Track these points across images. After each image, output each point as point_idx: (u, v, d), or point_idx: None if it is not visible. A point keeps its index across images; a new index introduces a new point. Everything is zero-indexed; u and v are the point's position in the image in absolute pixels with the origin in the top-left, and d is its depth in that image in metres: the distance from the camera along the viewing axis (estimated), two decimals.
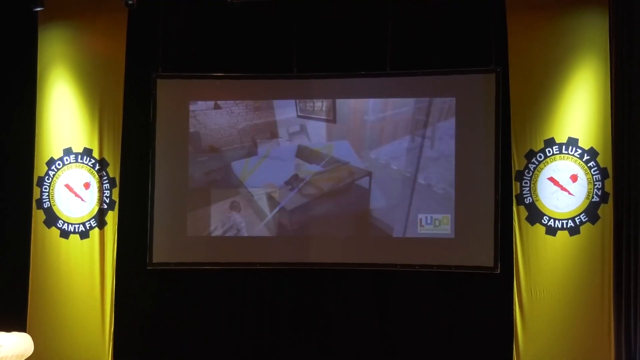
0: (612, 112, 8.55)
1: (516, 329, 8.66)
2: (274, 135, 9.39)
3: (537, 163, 8.78)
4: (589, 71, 8.69)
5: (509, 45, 8.88)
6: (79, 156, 9.37)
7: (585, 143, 8.67)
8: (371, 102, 9.30)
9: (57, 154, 9.38)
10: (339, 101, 9.32)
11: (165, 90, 9.49)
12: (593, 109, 8.65)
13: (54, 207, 9.35)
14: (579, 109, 8.69)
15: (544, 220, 8.70)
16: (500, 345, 8.76)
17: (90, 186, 9.36)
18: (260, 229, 9.36)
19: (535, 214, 8.73)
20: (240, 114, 9.47)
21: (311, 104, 9.41)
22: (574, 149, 8.70)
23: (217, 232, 9.40)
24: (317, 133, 9.38)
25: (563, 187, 8.72)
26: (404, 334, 9.12)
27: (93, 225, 9.29)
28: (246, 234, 9.37)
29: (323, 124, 9.40)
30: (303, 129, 9.40)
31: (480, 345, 8.93)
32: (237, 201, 9.38)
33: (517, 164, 8.82)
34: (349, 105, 9.33)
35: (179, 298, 9.44)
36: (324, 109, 9.39)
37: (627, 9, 8.54)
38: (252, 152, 9.41)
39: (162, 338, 9.38)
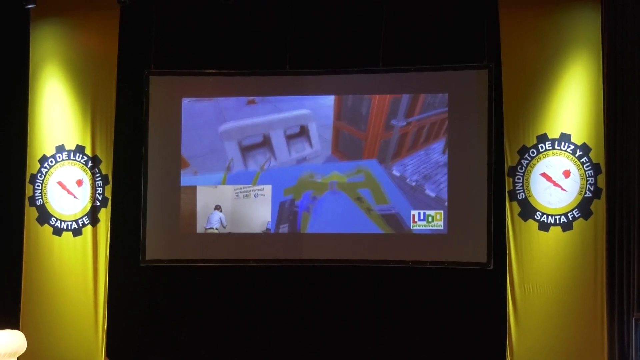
0: (604, 108, 8.55)
1: (509, 325, 8.66)
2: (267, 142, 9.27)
3: (529, 159, 8.78)
4: (581, 67, 8.69)
5: (501, 41, 8.87)
6: (72, 153, 9.36)
7: (577, 139, 8.68)
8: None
9: (49, 151, 9.36)
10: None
11: (158, 87, 9.48)
12: (586, 105, 8.65)
13: (46, 205, 9.34)
14: (572, 104, 8.69)
15: (537, 216, 8.70)
16: (494, 341, 8.77)
17: (83, 183, 9.35)
18: (253, 226, 9.35)
19: (528, 210, 8.73)
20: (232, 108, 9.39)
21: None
22: (567, 144, 8.70)
23: (210, 229, 9.39)
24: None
25: (556, 182, 8.72)
26: (398, 330, 9.13)
27: (86, 223, 9.27)
28: (239, 231, 9.36)
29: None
30: (304, 131, 9.29)
31: (474, 341, 8.94)
32: (230, 199, 9.37)
33: (509, 159, 8.82)
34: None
35: (172, 295, 9.44)
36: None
37: (619, 4, 8.55)
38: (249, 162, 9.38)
39: (155, 335, 9.38)
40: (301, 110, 9.31)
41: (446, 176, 9.05)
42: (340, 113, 9.27)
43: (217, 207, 9.31)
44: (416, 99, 9.15)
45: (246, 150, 9.35)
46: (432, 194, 9.07)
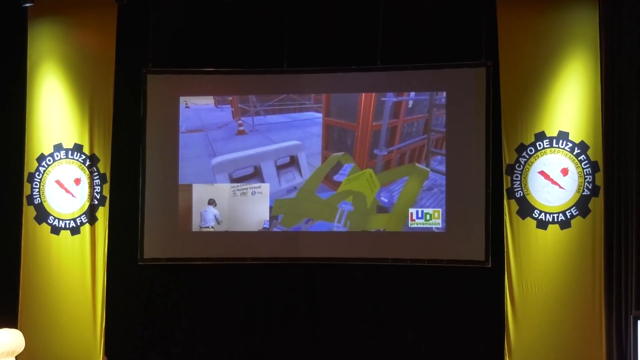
0: (602, 106, 8.54)
1: (507, 323, 8.65)
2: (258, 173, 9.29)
3: (527, 157, 8.77)
4: (579, 64, 8.67)
5: (499, 39, 8.85)
6: (70, 152, 9.35)
7: (575, 136, 8.67)
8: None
9: (47, 150, 9.35)
10: None
11: (156, 85, 9.47)
12: (583, 103, 8.64)
13: (44, 203, 9.33)
14: (570, 102, 8.68)
15: (535, 214, 8.70)
16: (492, 339, 8.77)
17: (81, 182, 9.34)
18: (251, 224, 9.34)
19: (526, 208, 8.72)
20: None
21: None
22: (565, 142, 8.69)
23: (206, 228, 9.38)
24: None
25: (554, 180, 8.71)
26: (396, 328, 9.13)
27: (84, 221, 9.27)
28: (236, 229, 9.35)
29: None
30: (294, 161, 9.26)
31: (472, 339, 8.94)
32: (227, 196, 9.37)
33: (507, 157, 8.81)
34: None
35: (170, 293, 9.44)
36: None
37: (617, 2, 8.54)
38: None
39: (154, 334, 9.39)
40: (291, 142, 9.29)
41: (430, 200, 9.05)
42: (328, 143, 9.27)
43: (211, 202, 9.31)
44: (395, 131, 9.14)
45: (236, 182, 9.34)
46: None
